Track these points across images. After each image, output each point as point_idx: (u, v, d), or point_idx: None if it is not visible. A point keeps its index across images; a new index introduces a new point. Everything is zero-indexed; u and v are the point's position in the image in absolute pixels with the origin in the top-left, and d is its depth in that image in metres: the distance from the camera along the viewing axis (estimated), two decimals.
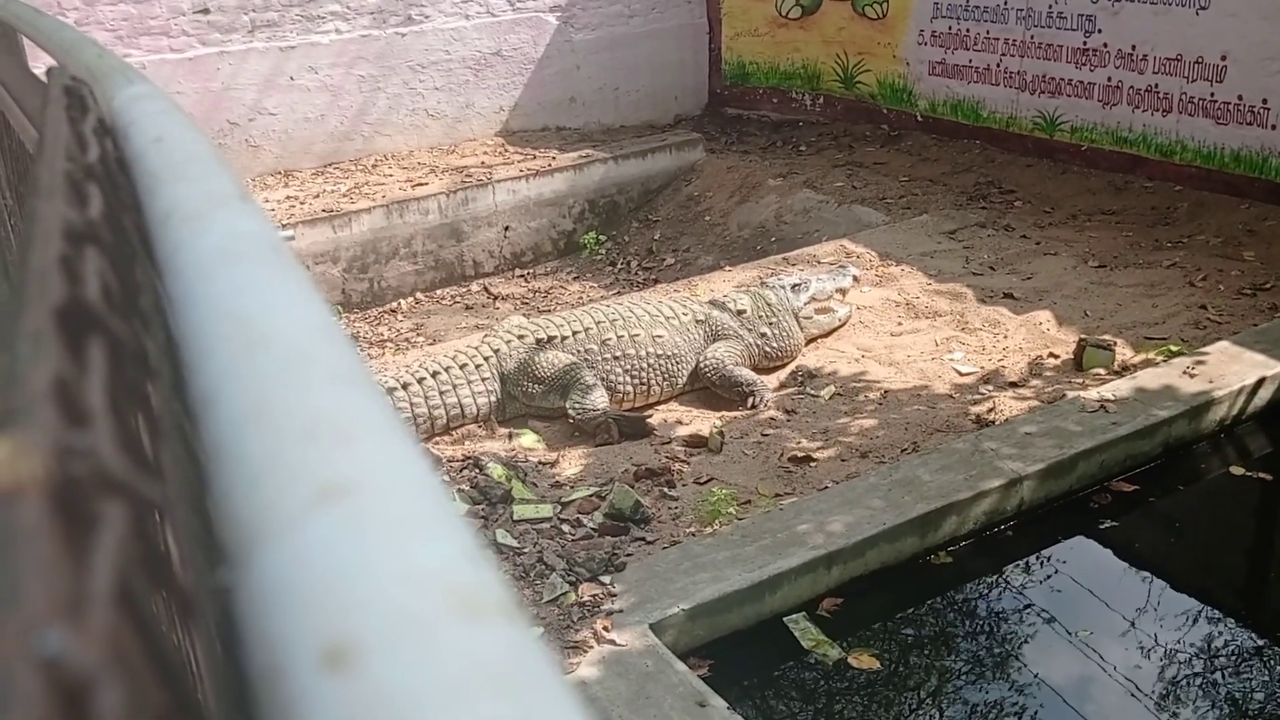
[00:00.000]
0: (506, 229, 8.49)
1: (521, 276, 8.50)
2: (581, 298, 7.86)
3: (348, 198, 8.06)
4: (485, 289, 8.31)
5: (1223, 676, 3.79)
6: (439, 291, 8.27)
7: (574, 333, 4.92)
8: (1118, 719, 3.67)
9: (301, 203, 7.94)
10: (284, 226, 7.35)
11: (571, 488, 4.19)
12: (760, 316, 5.24)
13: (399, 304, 8.09)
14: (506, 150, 9.10)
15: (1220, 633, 3.98)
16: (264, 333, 0.33)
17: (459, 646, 0.24)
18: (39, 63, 2.33)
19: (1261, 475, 4.60)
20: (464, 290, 8.31)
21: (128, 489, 0.27)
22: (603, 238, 8.67)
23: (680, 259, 8.25)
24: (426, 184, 8.33)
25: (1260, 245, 6.26)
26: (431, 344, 7.05)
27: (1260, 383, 4.67)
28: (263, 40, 8.30)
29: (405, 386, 4.64)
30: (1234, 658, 3.89)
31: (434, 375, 4.71)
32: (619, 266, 8.41)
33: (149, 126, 0.61)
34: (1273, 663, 3.91)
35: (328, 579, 0.23)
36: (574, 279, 8.34)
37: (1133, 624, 3.94)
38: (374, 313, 7.95)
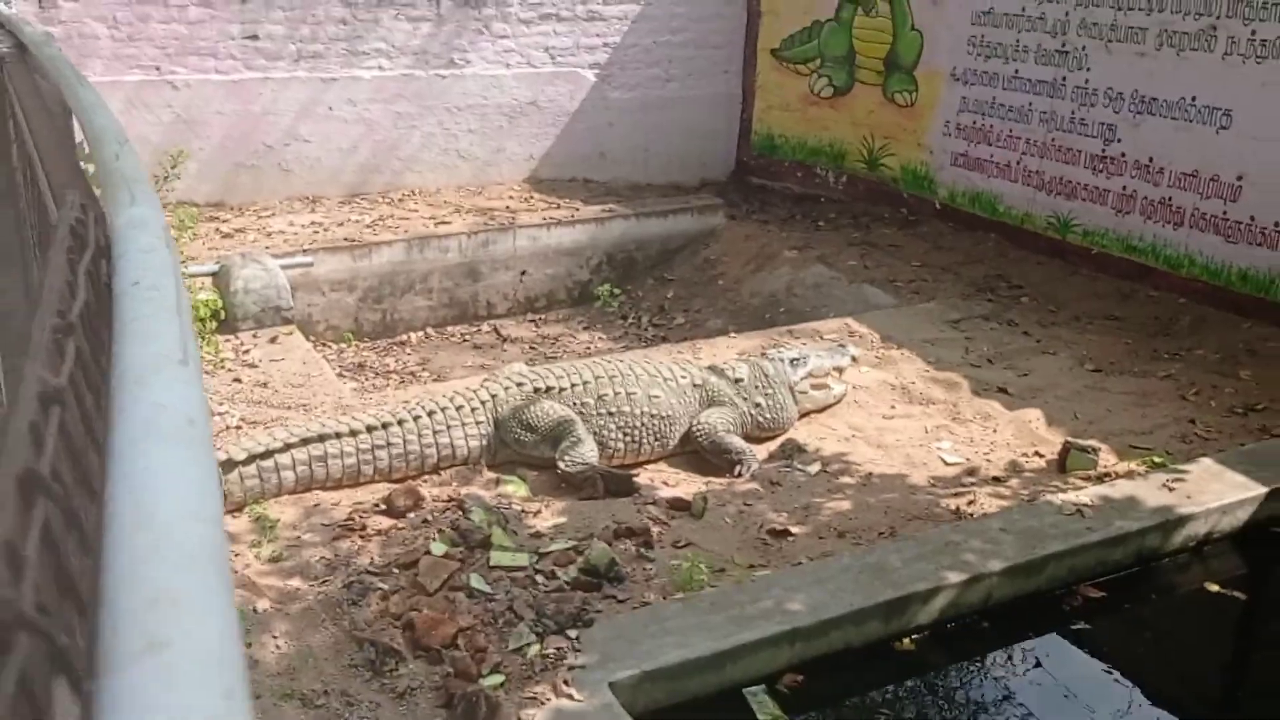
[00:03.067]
0: (523, 273, 8.65)
1: (532, 321, 8.65)
2: (590, 347, 8.00)
3: (371, 229, 8.24)
4: (495, 330, 8.45)
5: None
6: (450, 329, 8.43)
7: (572, 385, 5.04)
8: None
9: (325, 229, 8.13)
10: (305, 252, 7.53)
11: (551, 539, 4.28)
12: (756, 387, 5.35)
13: (409, 337, 8.25)
14: (532, 197, 9.30)
15: None
16: (148, 516, 0.46)
17: None
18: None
19: (1236, 594, 4.65)
20: (474, 330, 8.47)
21: (37, 628, 0.41)
22: (617, 291, 8.82)
23: (690, 319, 8.39)
24: (450, 223, 8.52)
25: (1258, 366, 6.34)
26: (436, 380, 7.17)
27: (1239, 504, 4.73)
28: (305, 70, 8.55)
29: (400, 423, 4.75)
30: None
31: (429, 414, 4.82)
32: (630, 321, 8.55)
33: (132, 266, 0.73)
34: None
35: (138, 707, 0.35)
36: (584, 328, 8.48)
37: None
38: (383, 343, 8.10)
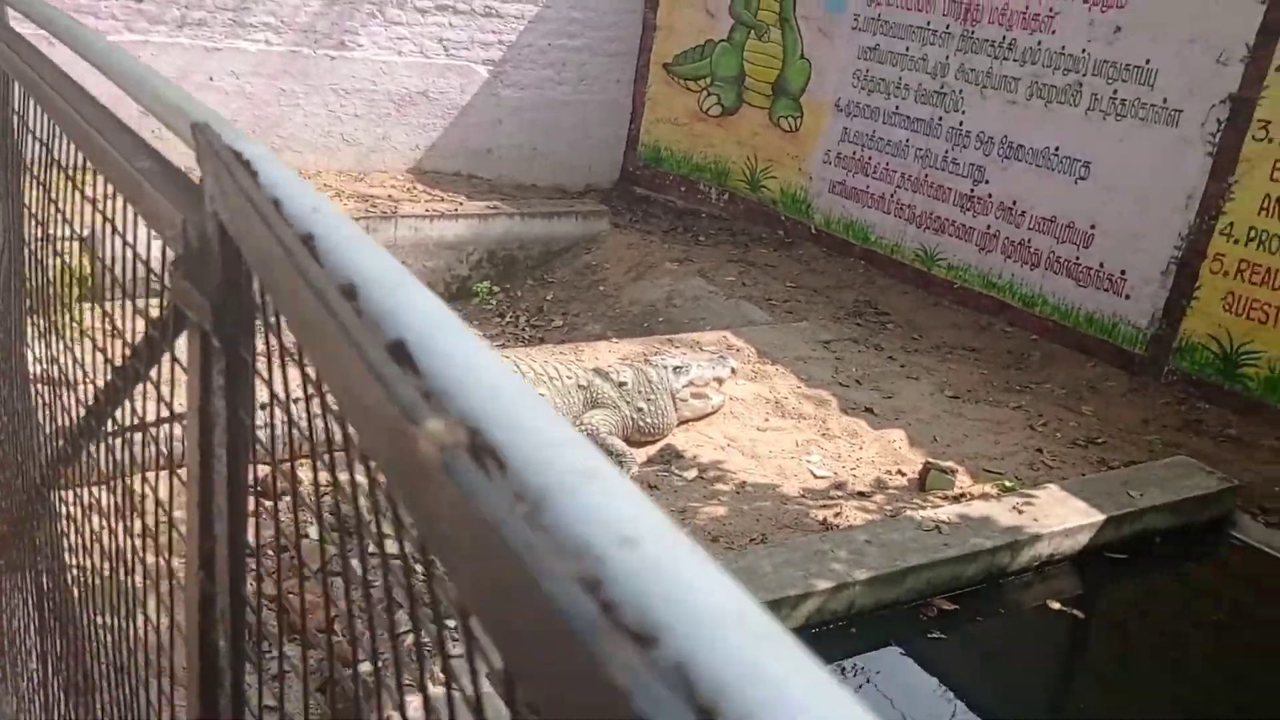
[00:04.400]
0: (403, 264, 8.53)
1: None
2: None
3: None
4: None
5: None
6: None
7: None
8: None
9: None
10: None
11: None
12: (639, 391, 5.45)
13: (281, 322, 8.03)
14: (415, 188, 9.20)
15: None
16: (494, 386, 0.52)
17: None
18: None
19: (1075, 612, 4.99)
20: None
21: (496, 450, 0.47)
22: (496, 289, 8.81)
23: (569, 323, 8.45)
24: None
25: (1099, 402, 6.80)
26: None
27: (1080, 528, 5.08)
28: (188, 37, 8.27)
29: (278, 404, 4.66)
30: None
31: (309, 400, 4.74)
32: (508, 319, 8.55)
33: (298, 194, 0.77)
34: None
35: (596, 520, 0.43)
36: None
37: None
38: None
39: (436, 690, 2.91)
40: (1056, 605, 4.91)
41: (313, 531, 4.19)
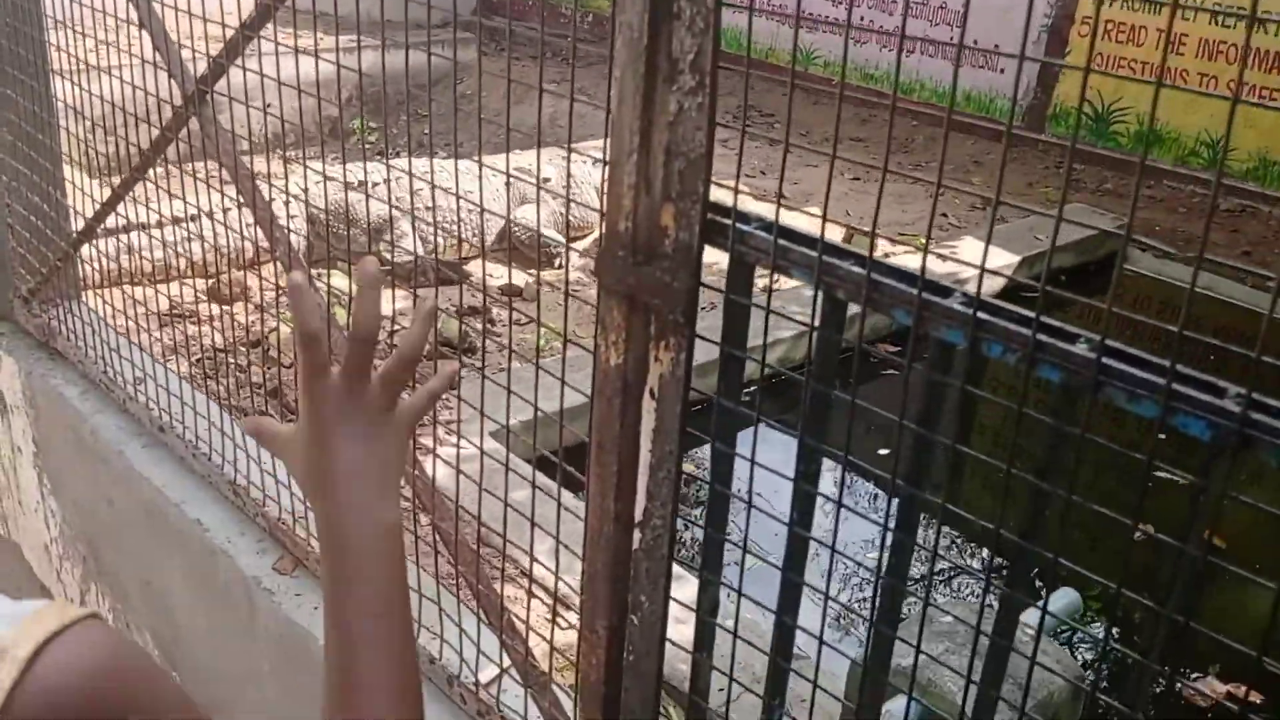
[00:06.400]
0: (268, 107, 8.08)
1: (282, 158, 8.15)
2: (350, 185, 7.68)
3: (93, 53, 7.39)
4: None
5: None
6: (190, 165, 7.78)
7: (384, 180, 4.88)
8: None
9: None
10: None
11: (393, 320, 4.19)
12: (565, 185, 5.40)
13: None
14: (269, 27, 8.65)
15: None
16: None
17: None
18: None
19: None
20: (218, 166, 7.87)
21: None
22: (372, 125, 8.46)
23: (457, 152, 8.21)
24: (184, 48, 7.78)
25: (985, 174, 7.11)
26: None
27: (1003, 268, 5.38)
28: None
29: (210, 215, 4.42)
30: None
31: (240, 207, 4.52)
32: (390, 156, 8.25)
33: None
34: None
35: None
36: (337, 163, 8.10)
37: None
38: (117, 180, 7.37)
39: (445, 450, 2.85)
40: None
41: (284, 326, 4.01)
